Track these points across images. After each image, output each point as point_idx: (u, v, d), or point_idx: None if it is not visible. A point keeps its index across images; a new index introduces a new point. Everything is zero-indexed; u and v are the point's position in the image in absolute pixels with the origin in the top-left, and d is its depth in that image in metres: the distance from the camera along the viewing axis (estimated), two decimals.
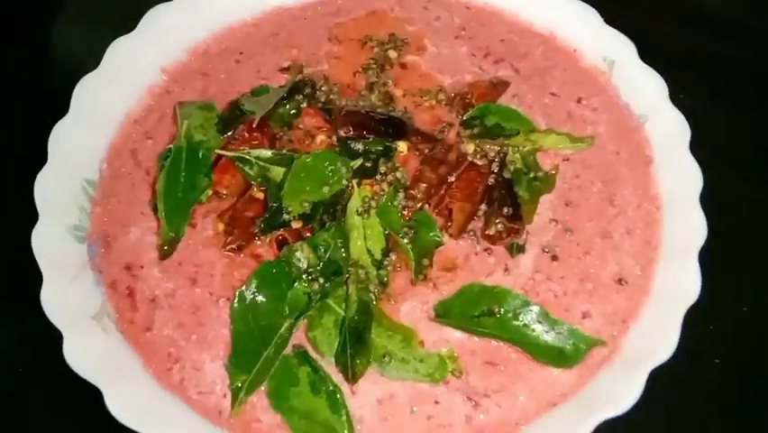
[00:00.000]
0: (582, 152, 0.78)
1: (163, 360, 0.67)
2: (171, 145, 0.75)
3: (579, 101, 0.82)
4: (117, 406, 0.60)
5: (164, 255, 0.72)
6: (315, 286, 0.68)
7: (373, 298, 0.68)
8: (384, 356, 0.65)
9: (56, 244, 0.70)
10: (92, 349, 0.64)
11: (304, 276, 0.68)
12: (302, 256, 0.68)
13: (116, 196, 0.76)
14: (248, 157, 0.74)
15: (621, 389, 0.61)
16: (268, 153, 0.74)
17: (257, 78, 0.84)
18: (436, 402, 0.65)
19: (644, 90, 0.80)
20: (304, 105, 0.80)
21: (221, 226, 0.73)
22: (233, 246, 0.72)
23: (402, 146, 0.76)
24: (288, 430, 0.64)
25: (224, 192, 0.75)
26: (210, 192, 0.74)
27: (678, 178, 0.74)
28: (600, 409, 0.60)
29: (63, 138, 0.74)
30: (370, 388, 0.65)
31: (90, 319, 0.67)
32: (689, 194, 0.71)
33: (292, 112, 0.79)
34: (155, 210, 0.73)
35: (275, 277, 0.68)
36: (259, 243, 0.72)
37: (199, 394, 0.66)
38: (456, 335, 0.67)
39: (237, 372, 0.65)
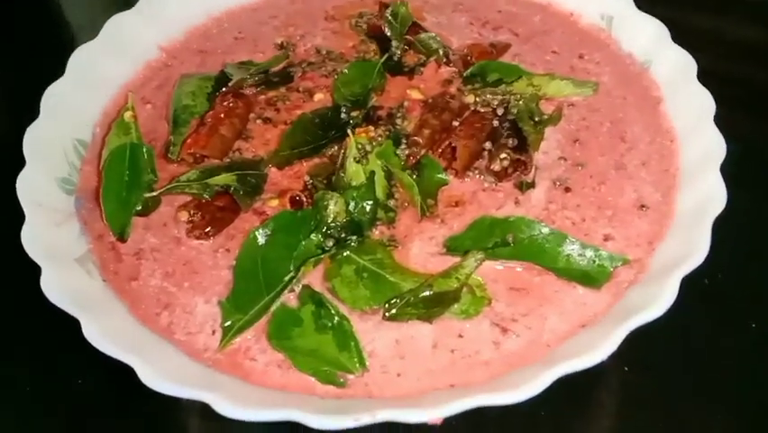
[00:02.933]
0: (588, 99, 0.75)
1: (152, 305, 0.61)
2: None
3: (581, 57, 0.80)
4: (94, 334, 0.54)
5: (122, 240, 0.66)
6: (330, 243, 0.63)
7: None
8: None
9: (42, 190, 0.66)
10: (72, 285, 0.59)
11: (324, 229, 0.63)
12: (332, 206, 0.64)
13: None
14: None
15: (654, 296, 0.54)
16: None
17: (254, 51, 0.83)
18: (460, 336, 0.59)
19: (645, 37, 0.78)
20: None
21: (185, 215, 0.67)
22: (201, 232, 0.66)
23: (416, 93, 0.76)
24: (285, 369, 0.57)
25: (206, 154, 0.71)
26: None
27: (690, 107, 0.70)
28: (636, 316, 0.53)
29: (56, 97, 0.72)
30: (387, 332, 0.59)
31: (73, 261, 0.62)
32: (703, 117, 0.67)
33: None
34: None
35: (291, 225, 0.63)
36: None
37: (187, 335, 0.59)
38: None
39: (232, 310, 0.60)
